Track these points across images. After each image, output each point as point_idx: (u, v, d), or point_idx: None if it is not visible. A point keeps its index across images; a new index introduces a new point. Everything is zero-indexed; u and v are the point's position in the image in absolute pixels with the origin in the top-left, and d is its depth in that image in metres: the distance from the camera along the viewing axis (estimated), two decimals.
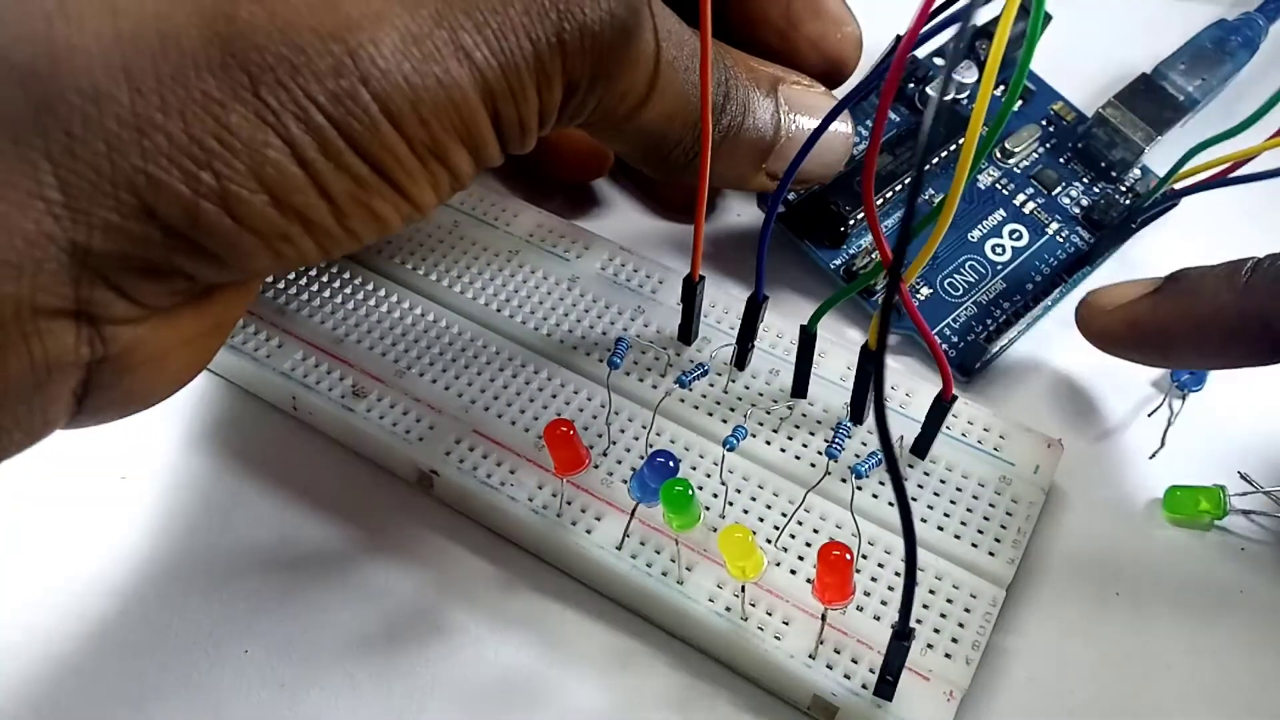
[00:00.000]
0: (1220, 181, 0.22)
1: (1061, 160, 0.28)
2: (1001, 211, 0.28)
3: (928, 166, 0.27)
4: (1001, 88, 0.27)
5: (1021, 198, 0.28)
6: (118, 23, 0.14)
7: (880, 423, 0.14)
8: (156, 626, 0.21)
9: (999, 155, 0.28)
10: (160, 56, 0.14)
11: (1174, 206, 0.26)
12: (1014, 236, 0.27)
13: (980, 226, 0.27)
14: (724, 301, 0.25)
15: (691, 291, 0.23)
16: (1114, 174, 0.28)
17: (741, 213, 0.28)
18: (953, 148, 0.28)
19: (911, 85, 0.29)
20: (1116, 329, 0.23)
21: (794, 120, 0.23)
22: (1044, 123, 0.29)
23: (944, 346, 0.25)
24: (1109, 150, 0.28)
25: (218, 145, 0.14)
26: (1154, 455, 0.24)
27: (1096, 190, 0.28)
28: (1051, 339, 0.26)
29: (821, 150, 0.24)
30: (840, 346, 0.24)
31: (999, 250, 0.27)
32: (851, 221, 0.26)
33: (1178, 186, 0.24)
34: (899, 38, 0.26)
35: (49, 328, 0.15)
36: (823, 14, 0.25)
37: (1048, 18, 0.28)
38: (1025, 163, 0.28)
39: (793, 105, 0.23)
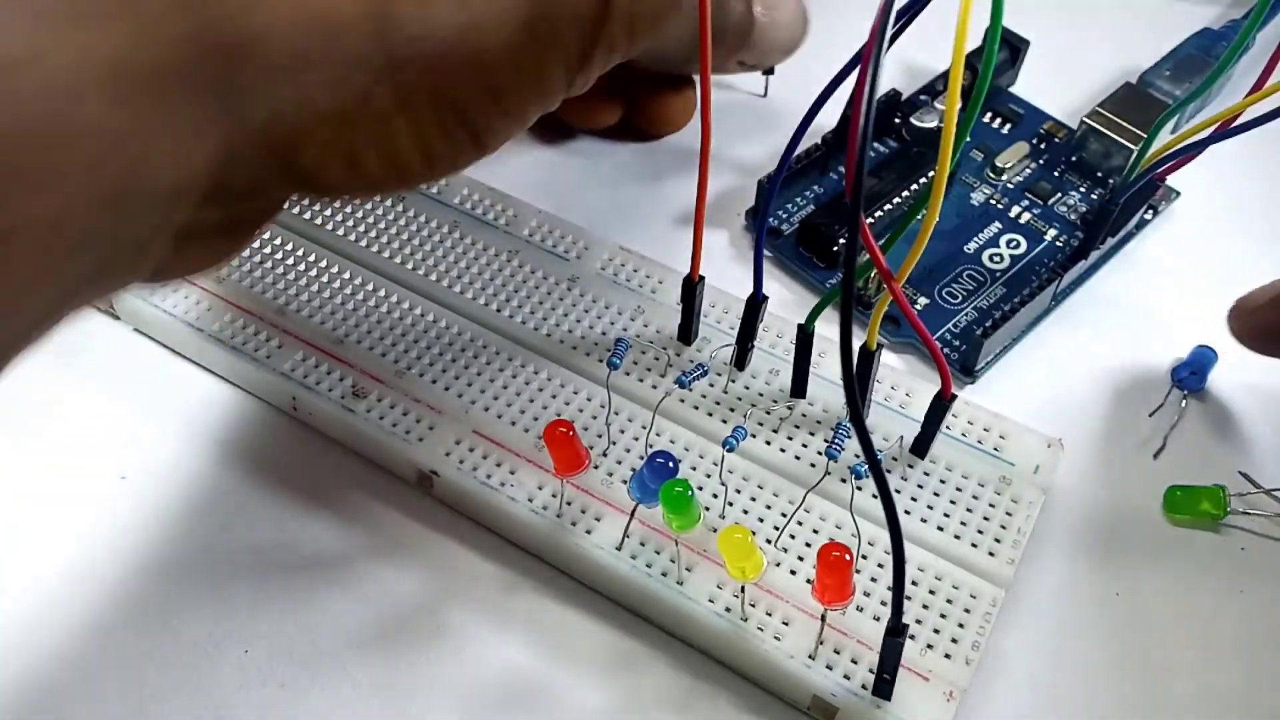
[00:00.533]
0: (1203, 143, 0.22)
1: (1055, 173, 0.29)
2: (997, 224, 0.28)
3: (915, 187, 0.28)
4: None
5: (1016, 210, 0.28)
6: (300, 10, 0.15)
7: (849, 389, 0.14)
8: (157, 627, 0.21)
9: (990, 174, 0.29)
10: (329, 52, 0.15)
11: (1157, 187, 0.26)
12: (1011, 245, 0.27)
13: (976, 239, 0.27)
14: (724, 302, 0.25)
15: (691, 292, 0.23)
16: (1110, 180, 0.28)
17: (741, 212, 0.28)
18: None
19: (897, 119, 0.30)
20: (1272, 322, 0.23)
21: (764, 11, 0.25)
22: (1034, 141, 0.29)
23: (945, 350, 0.25)
24: (1104, 160, 0.28)
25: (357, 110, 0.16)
26: (1156, 455, 0.24)
27: (1094, 197, 0.28)
28: (1052, 339, 0.26)
29: (783, 34, 0.26)
30: (839, 346, 0.24)
31: (997, 259, 0.27)
32: (843, 240, 0.26)
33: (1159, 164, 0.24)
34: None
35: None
36: None
37: (1025, 43, 0.29)
38: (1018, 178, 0.29)
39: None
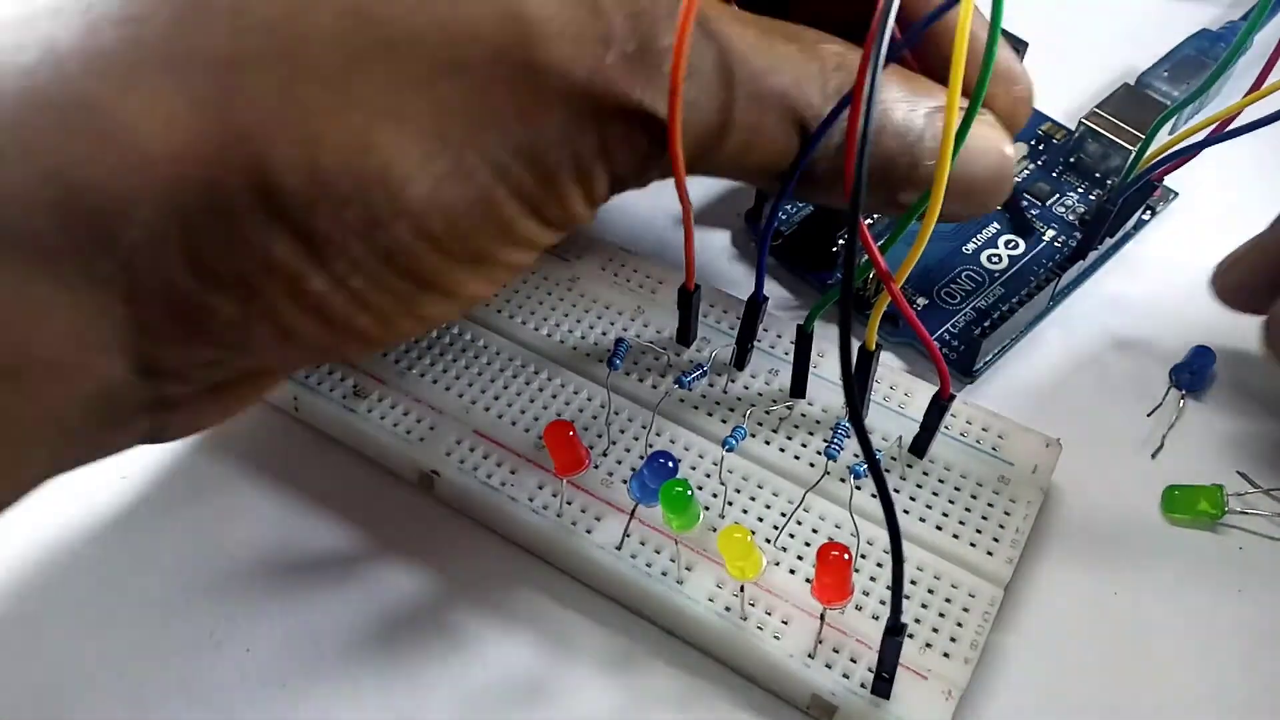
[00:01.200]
0: (1200, 145, 0.22)
1: (1054, 174, 0.29)
2: (995, 224, 0.28)
3: None
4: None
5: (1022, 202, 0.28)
6: (163, 170, 0.14)
7: (849, 390, 0.14)
8: (158, 627, 0.21)
9: None
10: (205, 209, 0.14)
11: (1155, 188, 0.26)
12: (1010, 246, 0.27)
13: (975, 240, 0.27)
14: (723, 302, 0.25)
15: (687, 301, 0.23)
16: (1109, 181, 0.28)
17: (742, 212, 0.28)
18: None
19: None
20: (1246, 278, 0.23)
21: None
22: (1033, 143, 0.29)
23: (944, 350, 0.25)
24: (1102, 160, 0.28)
25: (265, 277, 0.15)
26: (1154, 455, 0.24)
27: (1093, 198, 0.28)
28: (1050, 339, 0.26)
29: (991, 183, 0.20)
30: (839, 349, 0.24)
31: (995, 260, 0.27)
32: (842, 240, 0.26)
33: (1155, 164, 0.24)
34: None
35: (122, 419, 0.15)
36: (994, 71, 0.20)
37: (1024, 44, 0.28)
38: (1017, 179, 0.28)
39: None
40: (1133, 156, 0.24)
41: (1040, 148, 0.29)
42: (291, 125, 0.14)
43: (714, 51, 0.16)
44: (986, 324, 0.25)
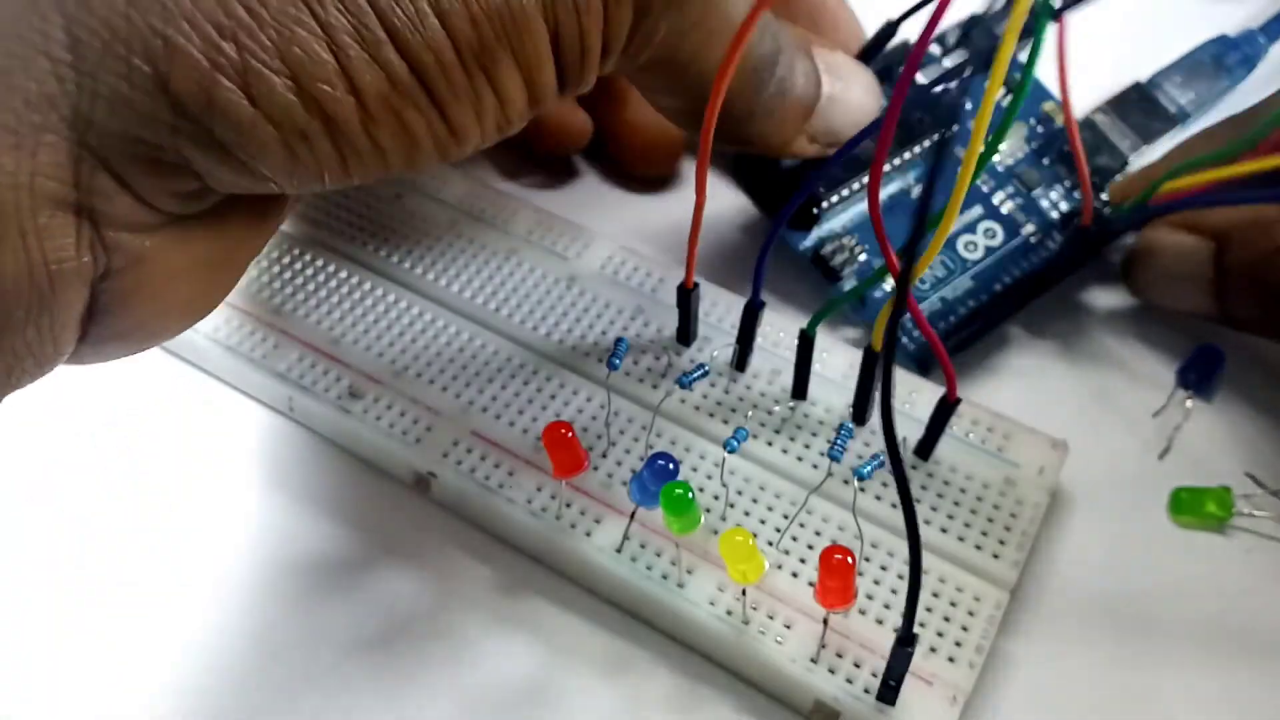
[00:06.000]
0: (1198, 200, 0.22)
1: (1045, 162, 0.28)
2: (979, 208, 0.27)
3: (909, 155, 0.27)
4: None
5: (1001, 196, 0.27)
6: None
7: (888, 427, 0.14)
8: (151, 631, 0.21)
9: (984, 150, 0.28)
10: None
11: (1146, 222, 0.25)
12: (988, 235, 0.26)
13: (956, 222, 0.26)
14: (724, 301, 0.25)
15: (686, 299, 0.23)
16: (1096, 180, 0.27)
17: (743, 209, 0.28)
18: (933, 139, 0.27)
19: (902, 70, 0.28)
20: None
21: (832, 82, 0.22)
22: (1032, 121, 0.28)
23: (904, 339, 0.25)
24: (1094, 156, 0.27)
25: (244, 13, 0.13)
26: (1161, 456, 0.24)
27: (1077, 196, 0.27)
28: (1056, 338, 0.26)
29: (860, 113, 0.23)
30: (841, 346, 0.24)
31: (971, 248, 0.26)
32: (825, 204, 0.26)
33: (1153, 207, 0.24)
34: (889, 23, 0.26)
35: (49, 225, 0.13)
36: (822, 23, 0.25)
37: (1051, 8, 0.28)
38: (1010, 160, 0.28)
39: (829, 67, 0.22)
40: (1139, 197, 0.24)
41: (1039, 129, 0.28)
42: None
43: None
44: (950, 318, 0.25)
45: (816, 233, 0.26)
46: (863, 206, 0.26)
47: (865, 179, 0.26)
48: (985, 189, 0.27)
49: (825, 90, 0.22)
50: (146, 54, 0.13)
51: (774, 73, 0.20)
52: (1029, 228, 0.27)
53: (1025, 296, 0.26)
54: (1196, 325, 0.25)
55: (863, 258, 0.26)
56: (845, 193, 0.26)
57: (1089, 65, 0.28)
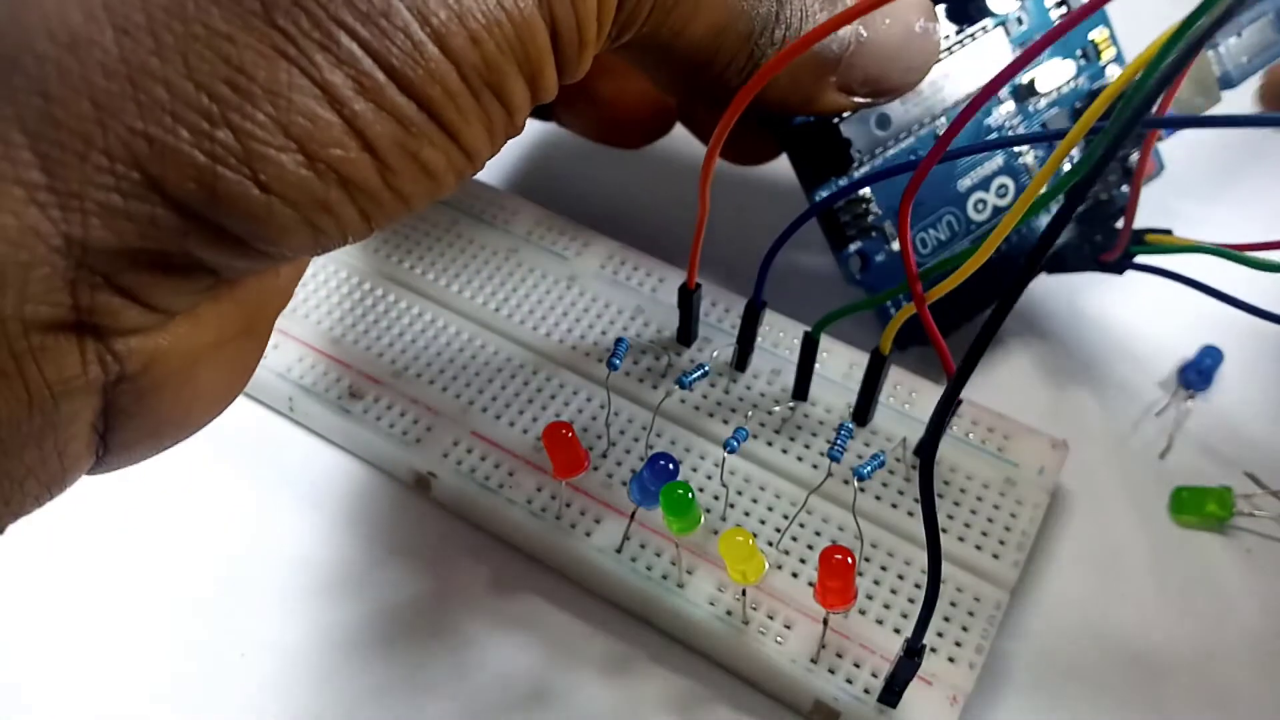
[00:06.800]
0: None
1: (1076, 108, 0.24)
2: (999, 159, 0.24)
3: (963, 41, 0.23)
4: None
5: (1024, 146, 0.24)
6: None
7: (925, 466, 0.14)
8: (151, 630, 0.21)
9: (1022, 90, 0.24)
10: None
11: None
12: (1000, 193, 0.24)
13: (972, 175, 0.24)
14: (725, 301, 0.25)
15: (688, 300, 0.23)
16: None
17: (744, 206, 0.28)
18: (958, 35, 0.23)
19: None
20: None
21: (855, 25, 0.19)
22: (1079, 54, 0.24)
23: (891, 307, 0.23)
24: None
25: (230, 92, 0.12)
26: (1162, 456, 0.24)
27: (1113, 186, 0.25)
28: (1056, 338, 0.26)
29: (904, 52, 0.20)
30: (841, 346, 0.24)
31: (980, 207, 0.24)
32: (856, 163, 0.23)
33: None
34: None
35: (45, 346, 0.12)
36: None
37: None
38: (1044, 104, 0.24)
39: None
40: (1160, 246, 0.21)
41: (1084, 60, 0.24)
42: None
43: None
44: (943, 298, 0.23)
45: (834, 187, 0.23)
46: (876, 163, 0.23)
47: (902, 144, 0.23)
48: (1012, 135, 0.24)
49: (844, 34, 0.19)
50: (132, 159, 0.12)
51: (774, 35, 0.18)
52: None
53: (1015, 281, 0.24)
54: (1198, 325, 0.25)
55: (870, 219, 0.23)
56: (880, 151, 0.23)
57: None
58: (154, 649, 0.21)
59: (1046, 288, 0.27)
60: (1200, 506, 0.23)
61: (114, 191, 0.12)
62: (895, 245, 0.23)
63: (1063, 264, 0.24)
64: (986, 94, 0.15)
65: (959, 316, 0.24)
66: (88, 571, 0.22)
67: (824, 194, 0.23)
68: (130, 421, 0.14)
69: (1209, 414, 0.25)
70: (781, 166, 0.24)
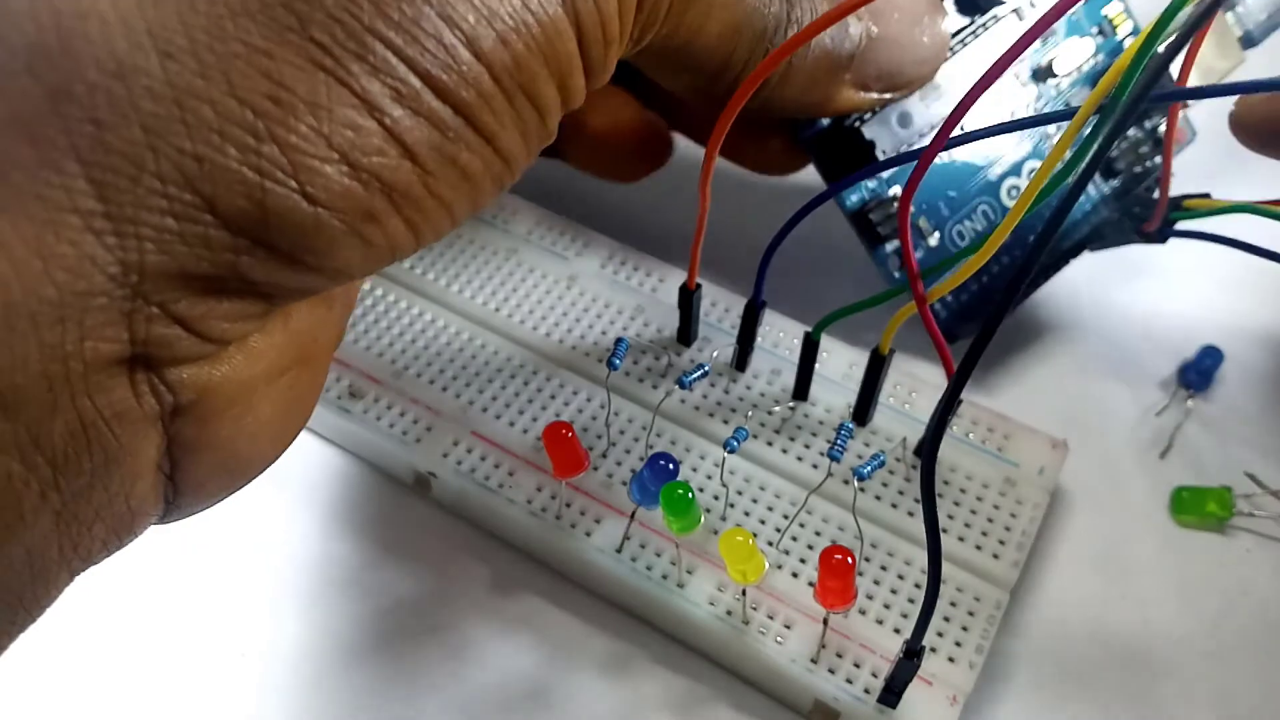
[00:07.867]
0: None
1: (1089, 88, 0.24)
2: (1028, 144, 0.23)
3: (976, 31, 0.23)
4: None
5: (1050, 129, 0.24)
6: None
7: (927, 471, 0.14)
8: (149, 630, 0.21)
9: (1041, 71, 0.23)
10: (187, 7, 0.12)
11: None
12: (1030, 175, 0.23)
13: (1000, 163, 0.23)
14: (725, 301, 0.25)
15: (688, 300, 0.23)
16: (1145, 121, 0.24)
17: (744, 206, 0.28)
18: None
19: None
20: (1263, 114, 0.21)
21: (867, 22, 0.20)
22: (1096, 31, 0.23)
23: (937, 306, 0.23)
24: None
25: (273, 106, 0.12)
26: (1162, 456, 0.24)
27: (1127, 137, 0.24)
28: (1057, 338, 0.26)
29: (915, 45, 0.20)
30: (841, 346, 0.24)
31: (1013, 194, 0.23)
32: (881, 159, 0.23)
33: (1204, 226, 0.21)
34: None
35: (104, 382, 0.12)
36: None
37: None
38: (1065, 84, 0.24)
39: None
40: (1201, 210, 0.21)
41: (1101, 37, 0.23)
42: None
43: None
44: (984, 279, 0.22)
45: (863, 190, 0.23)
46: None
47: (928, 139, 0.22)
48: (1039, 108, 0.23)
49: (855, 32, 0.20)
50: (184, 180, 0.12)
51: (787, 33, 0.19)
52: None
53: (1050, 257, 0.23)
54: (1198, 324, 0.25)
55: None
56: (904, 150, 0.23)
57: None
58: (153, 649, 0.21)
59: (1047, 288, 0.27)
60: (1200, 506, 0.23)
61: (167, 214, 0.12)
62: (932, 240, 0.23)
63: (1103, 239, 0.24)
64: (994, 73, 0.15)
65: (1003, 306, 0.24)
66: (87, 571, 0.22)
67: (852, 196, 0.23)
68: (194, 456, 0.14)
69: (1209, 414, 0.25)
70: None
